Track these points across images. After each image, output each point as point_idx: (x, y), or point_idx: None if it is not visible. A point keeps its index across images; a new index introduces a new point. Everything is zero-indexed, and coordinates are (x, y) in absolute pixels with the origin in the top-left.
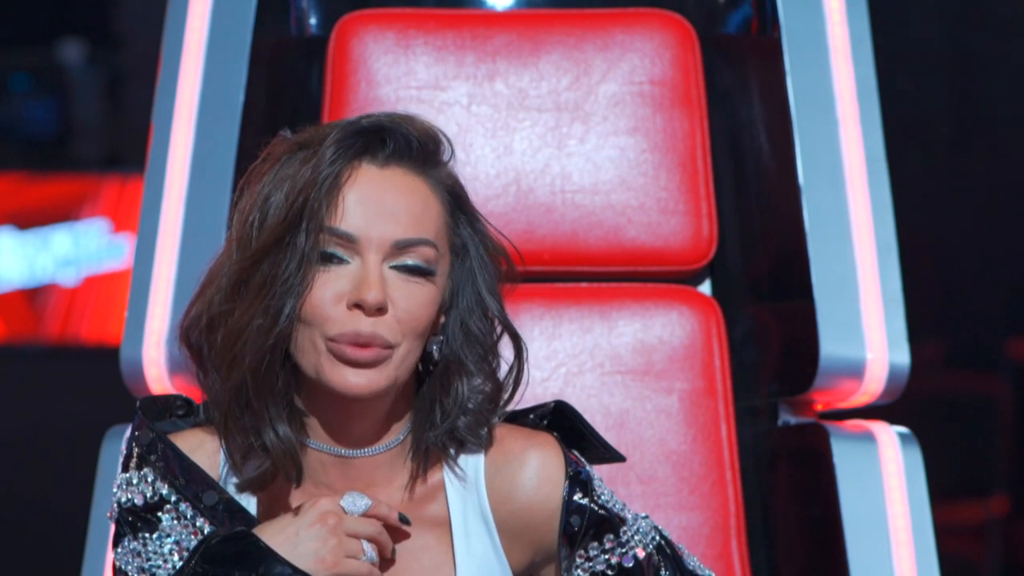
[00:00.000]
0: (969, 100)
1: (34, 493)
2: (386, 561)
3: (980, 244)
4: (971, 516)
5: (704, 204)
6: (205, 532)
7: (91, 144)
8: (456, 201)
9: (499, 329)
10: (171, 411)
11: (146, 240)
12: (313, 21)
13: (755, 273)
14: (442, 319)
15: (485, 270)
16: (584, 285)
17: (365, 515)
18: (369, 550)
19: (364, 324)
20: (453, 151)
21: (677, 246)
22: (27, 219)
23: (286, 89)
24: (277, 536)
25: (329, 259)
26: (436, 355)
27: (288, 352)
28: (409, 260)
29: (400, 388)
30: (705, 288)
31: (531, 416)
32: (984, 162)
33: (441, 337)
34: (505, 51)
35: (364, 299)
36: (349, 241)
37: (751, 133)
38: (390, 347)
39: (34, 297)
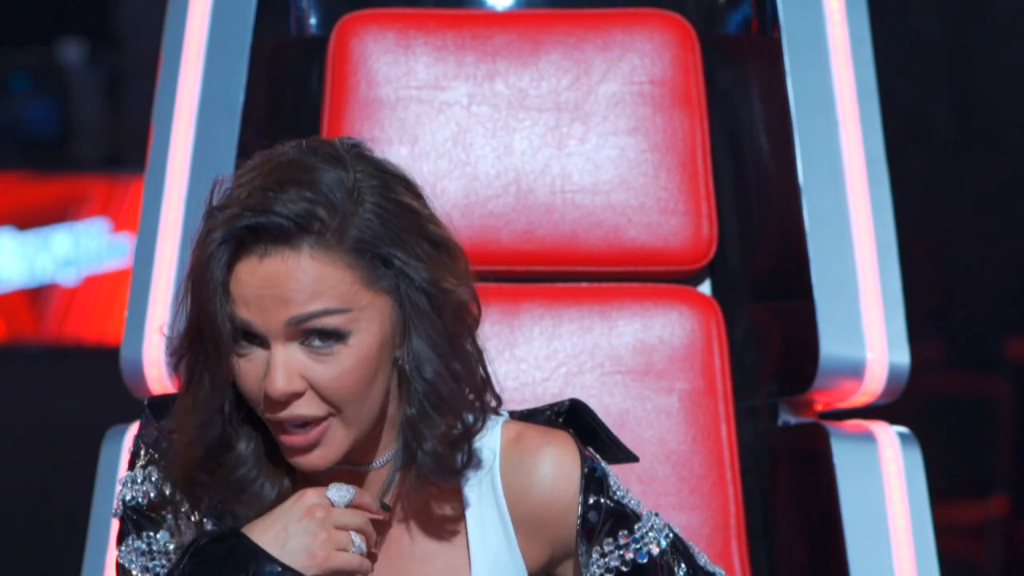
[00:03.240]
0: (969, 100)
1: (34, 493)
2: (371, 552)
3: (980, 244)
4: (971, 516)
5: (704, 204)
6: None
7: (91, 144)
8: (371, 248)
9: (462, 336)
10: None
11: (146, 240)
12: (313, 21)
13: (755, 273)
14: (401, 347)
15: (426, 291)
16: (584, 285)
17: (350, 505)
18: (358, 541)
19: (284, 413)
20: (357, 194)
21: (677, 246)
22: (27, 219)
23: (286, 89)
24: (266, 533)
25: (249, 342)
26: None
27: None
28: (312, 335)
29: (380, 415)
30: (705, 288)
31: (547, 413)
32: (984, 162)
33: (405, 352)
34: (505, 51)
35: (268, 393)
36: (253, 334)
37: (751, 133)
38: (326, 418)
39: (34, 297)
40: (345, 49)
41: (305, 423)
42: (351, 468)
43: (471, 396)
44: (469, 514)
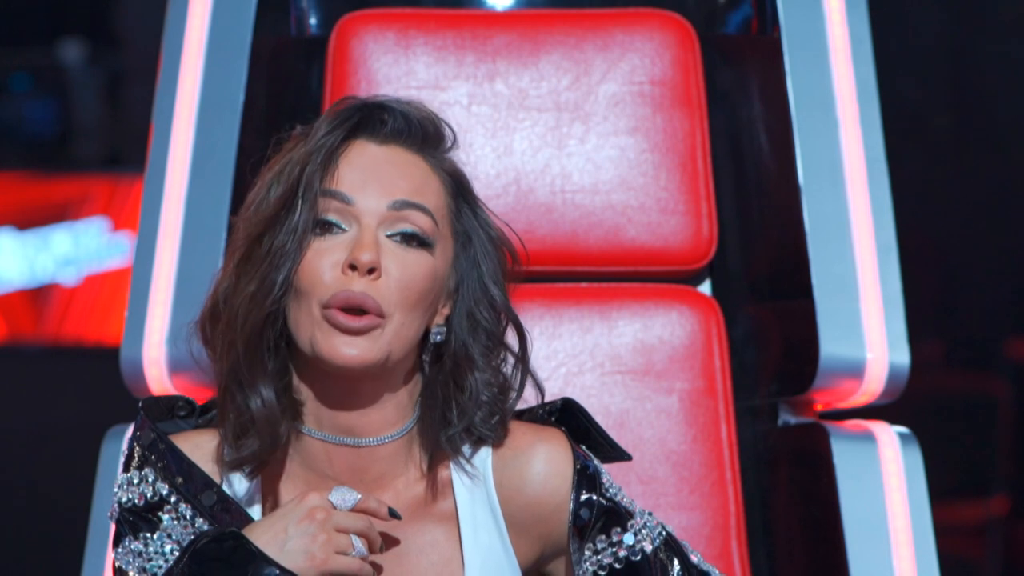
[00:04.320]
0: (969, 100)
1: (34, 493)
2: (374, 556)
3: (980, 244)
4: (971, 516)
5: (704, 204)
6: None
7: (91, 144)
8: (459, 187)
9: (505, 320)
10: (173, 412)
11: (146, 240)
12: (313, 21)
13: (755, 273)
14: (446, 311)
15: (489, 260)
16: (584, 285)
17: (354, 509)
18: (359, 545)
19: (357, 284)
20: (456, 139)
21: (677, 246)
22: (27, 219)
23: (286, 89)
24: (266, 534)
25: (326, 227)
26: (439, 341)
27: (286, 334)
28: (405, 227)
29: (399, 374)
30: (705, 288)
31: (539, 412)
32: (984, 162)
33: (444, 327)
34: (505, 51)
35: (357, 259)
36: (345, 204)
37: (751, 133)
38: (382, 315)
39: (34, 297)
40: (345, 49)
41: (363, 310)
42: (353, 443)
43: (513, 361)
44: (462, 510)
